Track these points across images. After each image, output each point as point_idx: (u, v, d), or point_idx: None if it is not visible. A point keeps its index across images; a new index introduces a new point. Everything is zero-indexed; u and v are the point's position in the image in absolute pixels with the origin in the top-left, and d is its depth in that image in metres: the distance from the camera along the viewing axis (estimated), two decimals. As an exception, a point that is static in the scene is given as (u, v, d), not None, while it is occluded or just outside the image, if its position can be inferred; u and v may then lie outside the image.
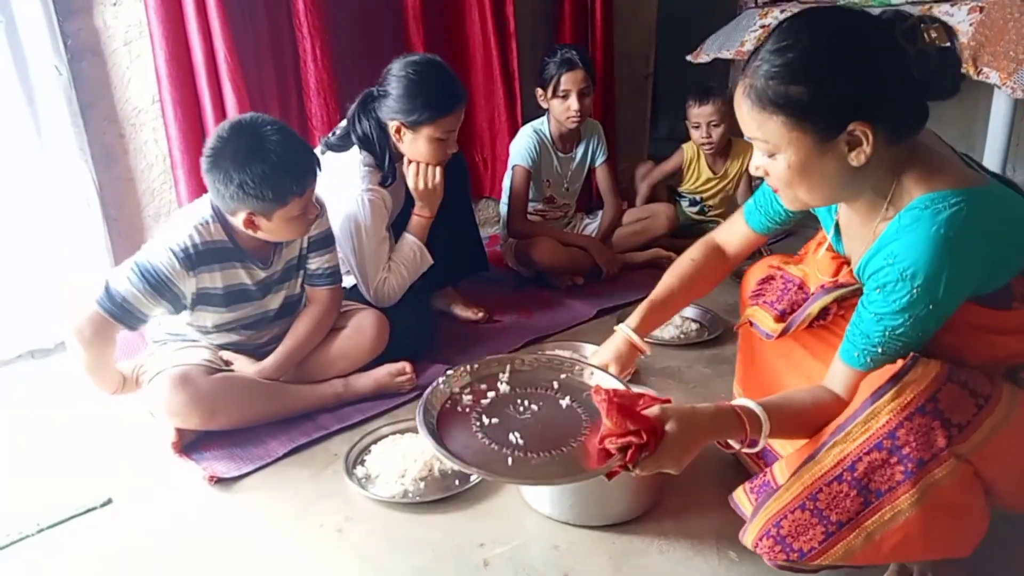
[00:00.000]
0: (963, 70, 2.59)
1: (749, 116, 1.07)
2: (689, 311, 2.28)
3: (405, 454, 1.57)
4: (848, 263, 1.24)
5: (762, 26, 3.19)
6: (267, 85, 2.39)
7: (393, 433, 1.68)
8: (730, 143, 2.96)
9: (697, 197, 3.02)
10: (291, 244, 1.78)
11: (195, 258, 1.59)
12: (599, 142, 2.77)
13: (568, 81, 2.52)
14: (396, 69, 1.93)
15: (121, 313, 1.57)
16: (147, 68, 2.20)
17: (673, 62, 3.83)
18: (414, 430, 1.68)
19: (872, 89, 1.00)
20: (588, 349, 2.06)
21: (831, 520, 1.03)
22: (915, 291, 1.00)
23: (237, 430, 1.68)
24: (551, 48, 2.62)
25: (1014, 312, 1.06)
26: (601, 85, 3.34)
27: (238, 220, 1.60)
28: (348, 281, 2.06)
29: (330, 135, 2.01)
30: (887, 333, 1.04)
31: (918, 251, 0.99)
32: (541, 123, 2.69)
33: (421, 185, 2.00)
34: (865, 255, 1.10)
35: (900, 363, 1.02)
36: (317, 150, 1.97)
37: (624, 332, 1.47)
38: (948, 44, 1.02)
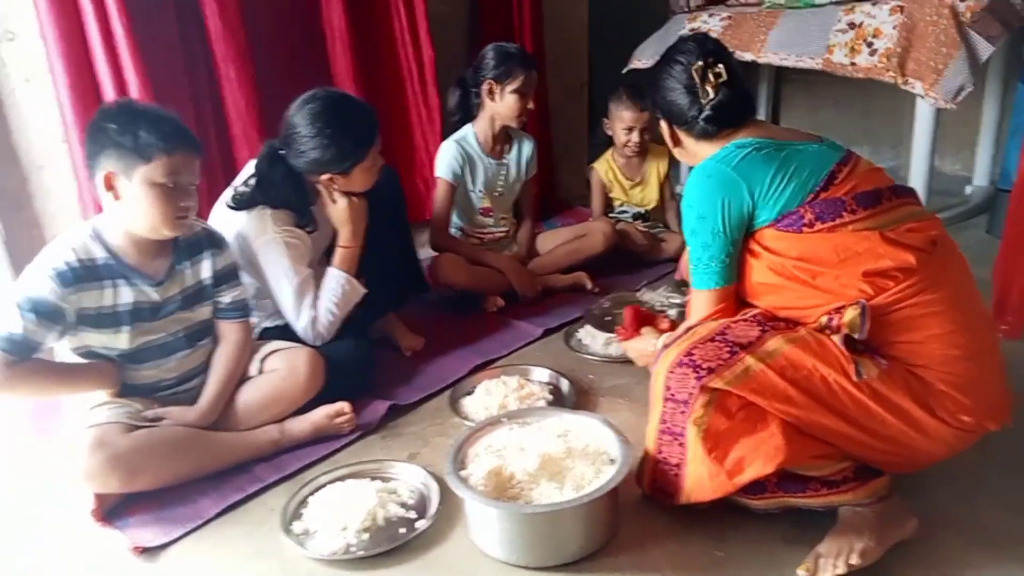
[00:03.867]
0: (892, 80, 2.65)
1: None
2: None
3: (345, 504, 1.48)
4: None
5: (692, 30, 3.19)
6: (184, 118, 2.27)
7: (332, 481, 1.59)
8: (647, 148, 2.86)
9: (632, 207, 2.95)
10: (193, 266, 1.70)
11: (73, 276, 1.53)
12: (533, 154, 2.70)
13: (530, 81, 2.46)
14: (303, 125, 1.82)
15: (21, 349, 1.50)
16: (52, 106, 2.07)
17: (606, 68, 3.82)
18: (355, 475, 1.61)
19: (669, 104, 1.48)
20: (537, 373, 2.00)
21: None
22: (688, 212, 1.37)
23: (165, 489, 1.57)
24: (503, 43, 2.51)
25: (804, 234, 1.29)
26: (535, 96, 3.29)
27: (99, 182, 1.54)
28: (282, 321, 1.98)
29: (235, 191, 1.88)
30: (693, 256, 1.38)
31: (688, 181, 1.40)
32: (463, 133, 2.59)
33: (342, 213, 1.92)
34: None
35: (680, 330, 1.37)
36: (220, 209, 1.89)
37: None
38: (726, 82, 1.41)
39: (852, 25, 2.74)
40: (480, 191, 2.63)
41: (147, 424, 1.60)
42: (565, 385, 1.91)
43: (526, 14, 3.19)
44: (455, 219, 2.67)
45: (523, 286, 2.54)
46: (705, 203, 1.33)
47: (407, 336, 2.28)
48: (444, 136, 2.87)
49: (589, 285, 2.59)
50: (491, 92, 2.49)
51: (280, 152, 1.88)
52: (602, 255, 2.69)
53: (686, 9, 3.66)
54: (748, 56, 2.95)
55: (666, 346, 1.32)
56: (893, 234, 1.26)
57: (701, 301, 1.38)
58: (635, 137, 2.76)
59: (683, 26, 3.24)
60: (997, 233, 2.66)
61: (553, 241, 2.78)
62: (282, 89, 2.50)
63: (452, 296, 2.52)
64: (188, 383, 1.75)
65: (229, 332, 1.78)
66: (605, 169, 2.91)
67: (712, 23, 3.14)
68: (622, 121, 2.76)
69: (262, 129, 2.43)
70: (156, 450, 1.55)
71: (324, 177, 1.88)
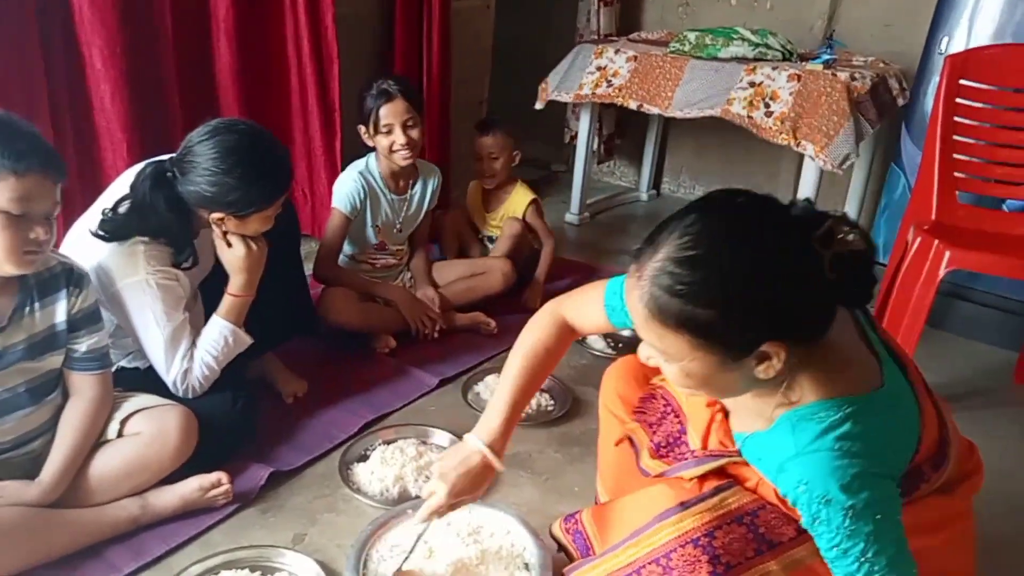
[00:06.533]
0: (785, 142, 2.77)
1: (647, 326, 0.96)
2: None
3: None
4: (722, 410, 1.18)
5: (598, 67, 3.16)
6: (35, 113, 1.93)
7: (204, 573, 1.40)
8: (515, 183, 2.78)
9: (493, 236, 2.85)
10: (44, 309, 1.43)
11: None
12: (437, 188, 2.55)
13: (389, 114, 2.27)
14: (209, 157, 1.56)
15: None
16: None
17: (505, 82, 3.73)
18: (232, 565, 1.42)
19: (787, 308, 0.93)
20: (436, 437, 1.87)
21: None
22: (847, 511, 0.94)
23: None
24: (367, 82, 2.35)
25: (919, 503, 1.06)
26: (438, 112, 3.15)
27: None
28: (144, 363, 1.72)
29: (104, 216, 1.59)
30: (861, 559, 0.95)
31: (823, 475, 0.95)
32: (367, 163, 2.41)
33: (238, 261, 1.70)
34: (754, 437, 1.08)
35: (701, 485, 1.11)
36: (80, 234, 1.60)
37: (478, 449, 1.26)
38: (863, 248, 0.95)
39: (752, 84, 2.83)
40: (378, 226, 2.45)
41: (-29, 506, 1.33)
42: (467, 455, 1.80)
43: (435, 37, 3.04)
44: (344, 246, 2.48)
45: (416, 319, 2.38)
46: (872, 491, 0.96)
47: (289, 380, 2.07)
48: (344, 150, 2.67)
49: (492, 325, 2.48)
50: (367, 135, 2.35)
51: (167, 175, 1.62)
52: (500, 295, 2.61)
53: (595, 38, 3.64)
54: (655, 110, 2.98)
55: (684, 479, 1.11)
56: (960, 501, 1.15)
57: None
58: (486, 165, 2.72)
59: (589, 60, 3.20)
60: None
61: (448, 274, 2.65)
62: (155, 86, 2.23)
63: (339, 332, 2.33)
64: (27, 446, 1.48)
65: (83, 387, 1.51)
66: (472, 191, 2.86)
67: (619, 62, 3.12)
68: (481, 147, 2.71)
69: (129, 129, 2.12)
70: (-15, 540, 1.28)
71: (214, 215, 1.65)
